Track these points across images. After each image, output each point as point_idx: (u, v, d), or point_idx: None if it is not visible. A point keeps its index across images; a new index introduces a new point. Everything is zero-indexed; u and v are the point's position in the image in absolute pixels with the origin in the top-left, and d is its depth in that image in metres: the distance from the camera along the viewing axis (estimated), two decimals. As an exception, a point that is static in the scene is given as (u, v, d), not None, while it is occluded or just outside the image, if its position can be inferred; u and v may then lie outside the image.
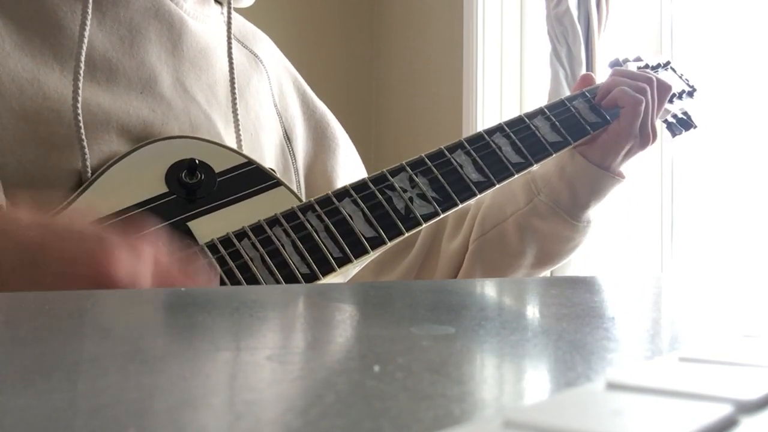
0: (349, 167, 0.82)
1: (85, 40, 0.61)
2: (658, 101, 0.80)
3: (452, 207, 0.64)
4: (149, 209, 0.58)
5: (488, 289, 0.42)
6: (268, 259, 0.56)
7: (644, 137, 0.78)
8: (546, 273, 0.87)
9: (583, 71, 1.95)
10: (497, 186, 0.67)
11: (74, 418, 0.15)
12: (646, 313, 0.35)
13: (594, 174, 0.77)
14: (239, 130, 0.68)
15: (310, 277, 0.56)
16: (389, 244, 0.60)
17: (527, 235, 0.79)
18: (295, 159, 0.77)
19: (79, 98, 0.58)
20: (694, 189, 1.91)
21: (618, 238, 1.95)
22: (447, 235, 0.83)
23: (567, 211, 0.77)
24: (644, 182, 1.93)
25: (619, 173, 0.79)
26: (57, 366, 0.19)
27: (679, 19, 1.98)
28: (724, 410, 0.14)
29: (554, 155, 0.73)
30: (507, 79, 2.27)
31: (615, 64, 0.90)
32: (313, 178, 0.78)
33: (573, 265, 1.87)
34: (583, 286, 0.42)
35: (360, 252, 0.59)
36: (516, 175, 0.69)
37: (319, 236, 0.58)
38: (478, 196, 0.66)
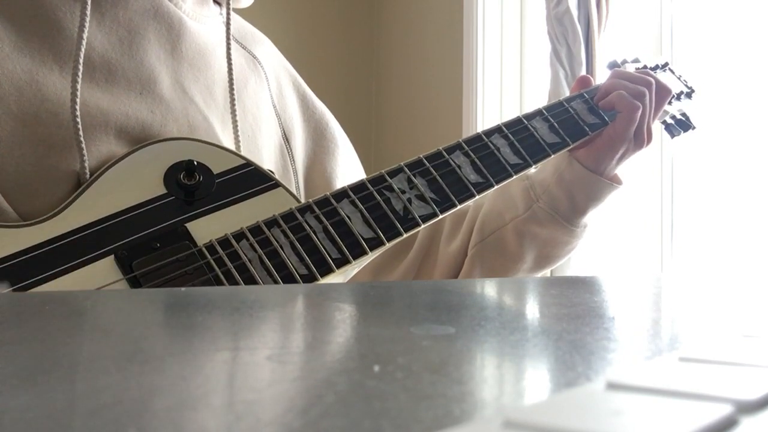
0: (348, 168, 0.82)
1: (84, 42, 0.61)
2: (656, 105, 0.80)
3: (451, 208, 0.64)
4: (147, 211, 0.58)
5: (488, 289, 0.42)
6: (266, 260, 0.56)
7: (639, 141, 0.78)
8: (546, 273, 0.87)
9: (583, 71, 1.95)
10: (496, 187, 0.67)
11: (74, 418, 0.15)
12: (646, 313, 0.35)
13: (592, 181, 0.77)
14: (237, 131, 0.68)
15: (309, 278, 0.56)
16: (388, 245, 0.60)
17: (526, 240, 0.79)
18: (293, 160, 0.77)
19: (78, 100, 0.58)
20: (694, 189, 1.91)
21: (618, 238, 1.95)
22: (445, 237, 0.83)
23: (565, 218, 0.78)
24: (644, 182, 1.93)
25: (616, 179, 0.79)
26: (57, 366, 0.19)
27: (679, 19, 1.98)
28: (724, 410, 0.14)
29: (552, 157, 0.73)
30: (507, 79, 2.27)
31: (613, 65, 0.90)
32: (313, 179, 0.78)
33: (573, 265, 1.87)
34: (583, 286, 0.42)
35: (359, 253, 0.59)
36: (514, 176, 0.69)
37: (317, 237, 0.58)
38: (477, 197, 0.66)
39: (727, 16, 1.86)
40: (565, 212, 0.77)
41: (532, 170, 0.80)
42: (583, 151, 0.77)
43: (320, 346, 0.23)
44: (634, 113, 0.76)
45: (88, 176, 0.58)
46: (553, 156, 0.73)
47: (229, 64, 0.70)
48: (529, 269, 0.82)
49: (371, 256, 0.60)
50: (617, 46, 2.01)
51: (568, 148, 0.74)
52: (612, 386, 0.16)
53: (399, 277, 0.83)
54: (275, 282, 0.55)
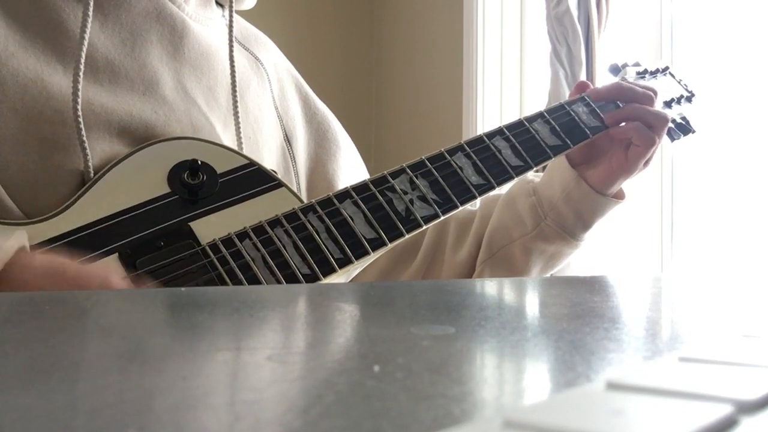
0: (350, 169, 0.82)
1: (86, 42, 0.61)
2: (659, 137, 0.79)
3: (452, 209, 0.64)
4: (151, 209, 0.58)
5: (488, 289, 0.42)
6: (269, 259, 0.56)
7: (647, 164, 0.79)
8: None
9: (583, 71, 1.95)
10: (497, 189, 0.68)
11: (74, 418, 0.15)
12: (646, 313, 0.35)
13: (599, 200, 0.77)
14: (240, 133, 0.68)
15: (311, 278, 0.56)
16: (390, 246, 0.60)
17: (533, 256, 0.80)
18: (295, 162, 0.77)
19: (79, 99, 0.59)
20: (694, 189, 1.91)
21: (618, 238, 1.95)
22: (450, 245, 0.83)
23: (571, 233, 0.78)
24: (644, 182, 1.93)
25: (620, 194, 0.80)
26: (57, 366, 0.19)
27: (679, 20, 1.98)
28: (724, 410, 0.14)
29: (560, 171, 0.73)
30: (507, 79, 2.27)
31: (614, 69, 0.91)
32: (315, 181, 0.78)
33: (573, 265, 1.87)
34: (583, 286, 0.42)
35: (361, 253, 0.59)
36: (516, 178, 0.69)
37: (320, 237, 0.58)
38: (478, 198, 0.66)
39: (728, 17, 1.86)
40: (572, 228, 0.78)
41: (535, 177, 0.81)
42: (595, 174, 0.77)
43: (320, 346, 0.23)
44: (651, 148, 0.75)
45: (92, 175, 0.58)
46: (560, 169, 0.73)
47: (232, 66, 0.70)
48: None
49: (373, 257, 0.60)
50: (617, 46, 2.01)
51: (569, 150, 0.74)
52: (612, 386, 0.16)
53: None
54: (278, 281, 0.55)
